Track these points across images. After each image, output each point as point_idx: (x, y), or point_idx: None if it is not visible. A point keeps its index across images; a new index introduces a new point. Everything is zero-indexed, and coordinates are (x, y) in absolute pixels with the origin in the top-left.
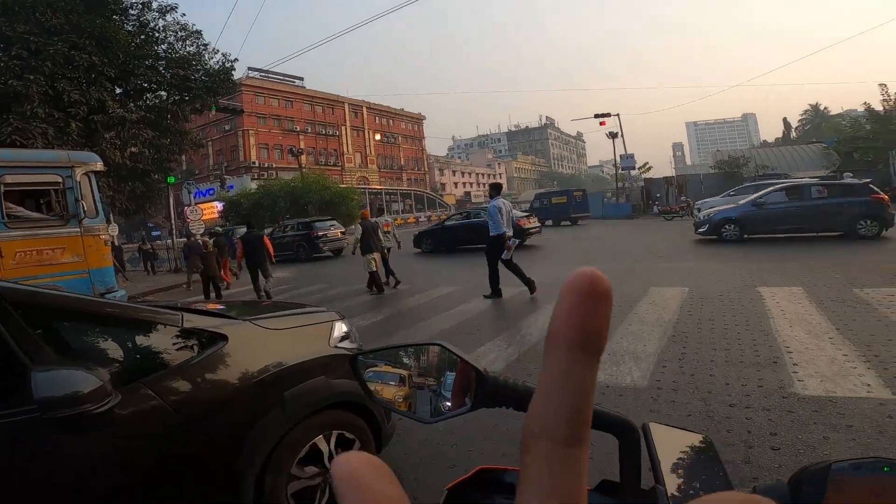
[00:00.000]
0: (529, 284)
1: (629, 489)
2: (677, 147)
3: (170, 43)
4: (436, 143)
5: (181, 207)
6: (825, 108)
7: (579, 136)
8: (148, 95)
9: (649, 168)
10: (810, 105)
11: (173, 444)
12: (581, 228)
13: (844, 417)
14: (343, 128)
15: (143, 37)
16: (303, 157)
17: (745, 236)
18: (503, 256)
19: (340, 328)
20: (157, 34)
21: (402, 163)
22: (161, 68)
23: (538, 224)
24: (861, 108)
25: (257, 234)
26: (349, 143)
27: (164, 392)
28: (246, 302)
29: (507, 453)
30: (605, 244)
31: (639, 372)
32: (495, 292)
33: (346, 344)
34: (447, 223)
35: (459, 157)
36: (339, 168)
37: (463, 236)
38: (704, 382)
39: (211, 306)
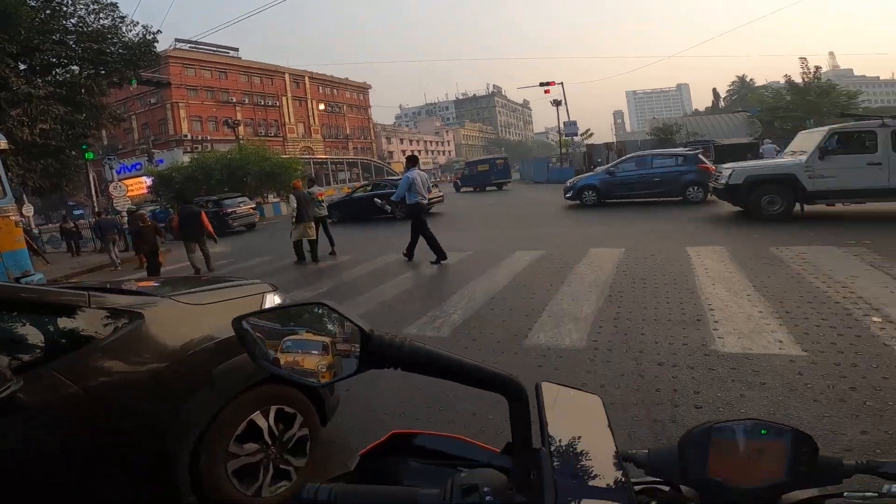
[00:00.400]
0: (410, 253)
1: (519, 449)
2: (618, 115)
3: (80, 17)
4: (383, 113)
5: (105, 184)
6: (751, 79)
7: (526, 104)
8: (57, 70)
9: (591, 134)
10: (738, 77)
11: (90, 430)
12: (503, 193)
13: (759, 375)
14: (284, 98)
15: (48, 11)
16: (240, 129)
17: (604, 201)
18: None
19: (272, 300)
20: (64, 8)
21: (348, 132)
22: (71, 42)
23: (440, 194)
24: (782, 81)
25: (194, 208)
26: (291, 113)
27: (75, 376)
28: (179, 278)
29: (423, 418)
30: (504, 209)
31: (577, 333)
32: (440, 256)
33: None
34: (354, 195)
35: (407, 126)
36: (281, 139)
37: (370, 207)
38: (636, 342)
39: (143, 284)
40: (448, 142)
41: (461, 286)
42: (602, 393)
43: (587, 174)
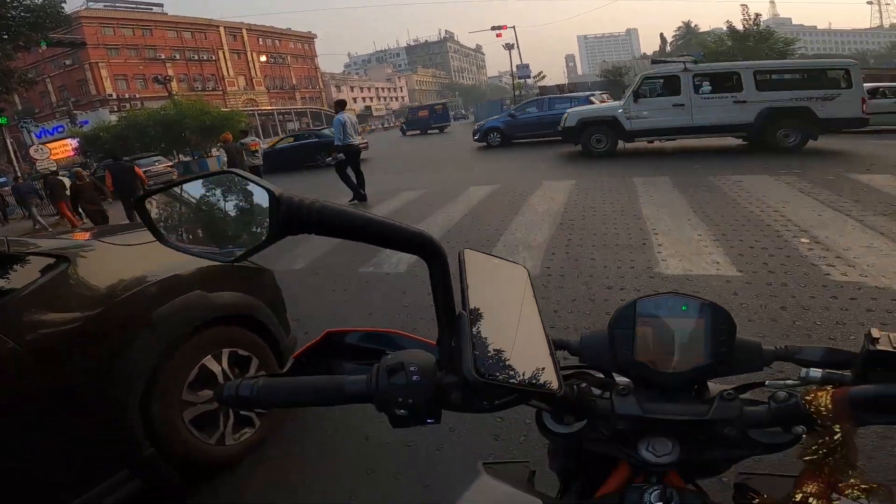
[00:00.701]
0: (359, 194)
1: (439, 313)
2: (570, 59)
3: None
4: (332, 62)
5: (25, 149)
6: (696, 25)
7: (479, 49)
8: None
9: (543, 77)
10: (683, 22)
11: (22, 380)
12: (442, 136)
13: (698, 295)
14: (220, 52)
15: None
16: (173, 85)
17: (512, 141)
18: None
19: None
20: None
21: (294, 82)
22: None
23: (365, 141)
24: (725, 27)
25: (126, 164)
26: (229, 66)
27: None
28: (116, 225)
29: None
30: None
31: (531, 261)
32: (357, 196)
33: None
34: (278, 146)
35: (357, 74)
36: (221, 92)
37: (293, 157)
38: (587, 267)
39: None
40: (401, 88)
41: (416, 223)
42: (556, 318)
43: (492, 118)
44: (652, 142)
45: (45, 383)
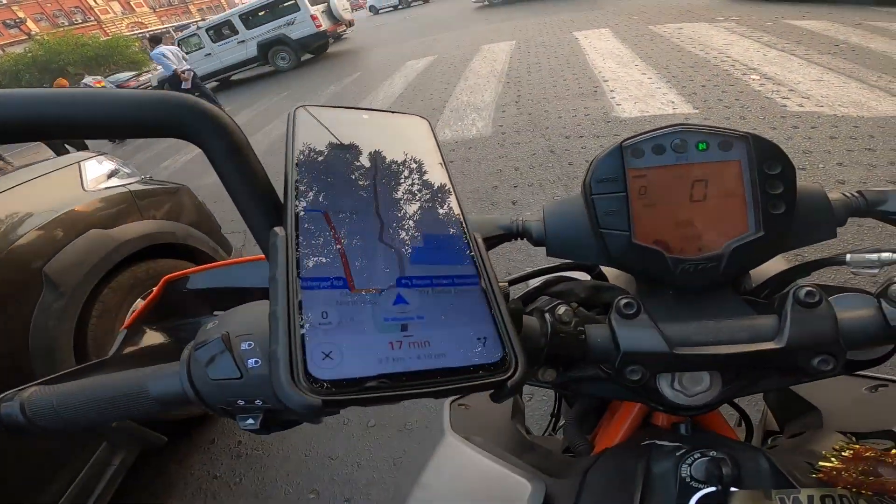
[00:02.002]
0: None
1: (255, 233)
2: None
3: None
4: None
5: None
6: None
7: None
8: None
9: None
10: None
11: None
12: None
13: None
14: None
15: None
16: (28, 25)
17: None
18: (182, 87)
19: (96, 167)
20: None
21: None
22: None
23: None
24: None
25: None
26: None
27: None
28: None
29: None
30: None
31: (482, 122)
32: None
33: (116, 181)
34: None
35: None
36: (96, 23)
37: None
38: (541, 119)
39: None
40: None
41: (359, 101)
42: (518, 177)
43: None
44: None
45: None
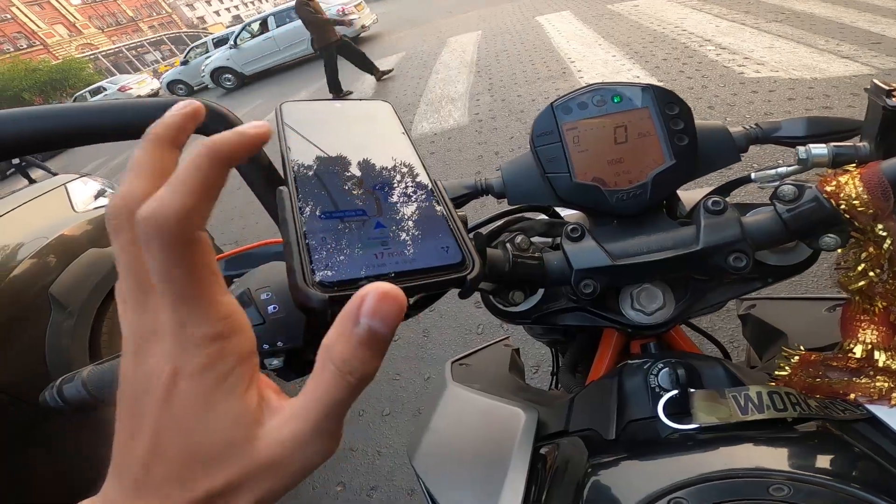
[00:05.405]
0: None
1: (264, 202)
2: None
3: None
4: None
5: None
6: None
7: None
8: None
9: None
10: None
11: None
12: None
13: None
14: (13, 9)
15: None
16: None
17: None
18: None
19: (82, 189)
20: None
21: (132, 14)
22: None
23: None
24: None
25: None
26: (34, 20)
27: None
28: None
29: None
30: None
31: (458, 112)
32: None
33: (104, 200)
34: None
35: None
36: (42, 47)
37: None
38: (515, 104)
39: None
40: None
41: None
42: (498, 160)
43: None
44: None
45: None
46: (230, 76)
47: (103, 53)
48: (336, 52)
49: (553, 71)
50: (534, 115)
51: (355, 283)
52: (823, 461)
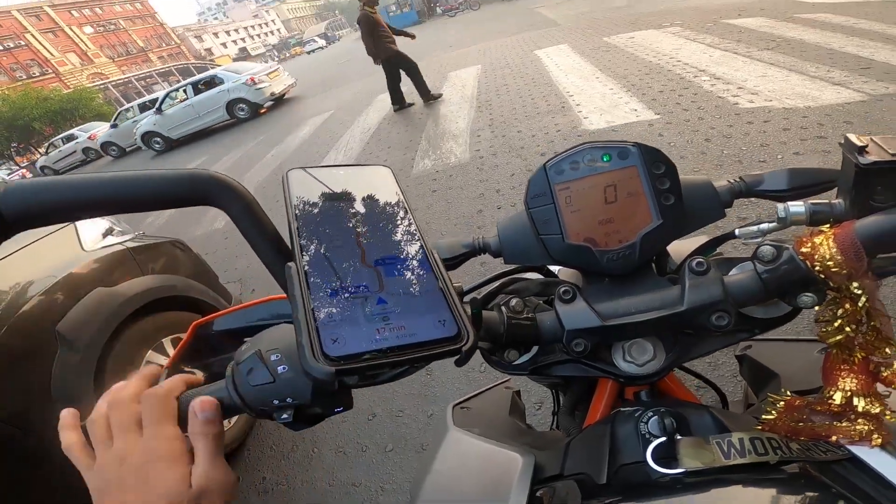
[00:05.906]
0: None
1: (271, 270)
2: None
3: None
4: (181, 15)
5: None
6: None
7: None
8: None
9: None
10: None
11: None
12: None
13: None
14: (27, 36)
15: None
16: None
17: None
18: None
19: (91, 228)
20: None
21: (142, 44)
22: None
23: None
24: None
25: None
26: (48, 47)
27: None
28: None
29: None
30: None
31: (459, 148)
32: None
33: (112, 239)
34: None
35: (216, 18)
36: (54, 75)
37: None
38: (515, 140)
39: None
40: (273, 21)
41: (334, 142)
42: (500, 198)
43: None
44: None
45: None
46: (159, 139)
47: (113, 83)
48: (396, 65)
49: (552, 105)
50: (533, 151)
51: (359, 357)
52: (801, 502)
